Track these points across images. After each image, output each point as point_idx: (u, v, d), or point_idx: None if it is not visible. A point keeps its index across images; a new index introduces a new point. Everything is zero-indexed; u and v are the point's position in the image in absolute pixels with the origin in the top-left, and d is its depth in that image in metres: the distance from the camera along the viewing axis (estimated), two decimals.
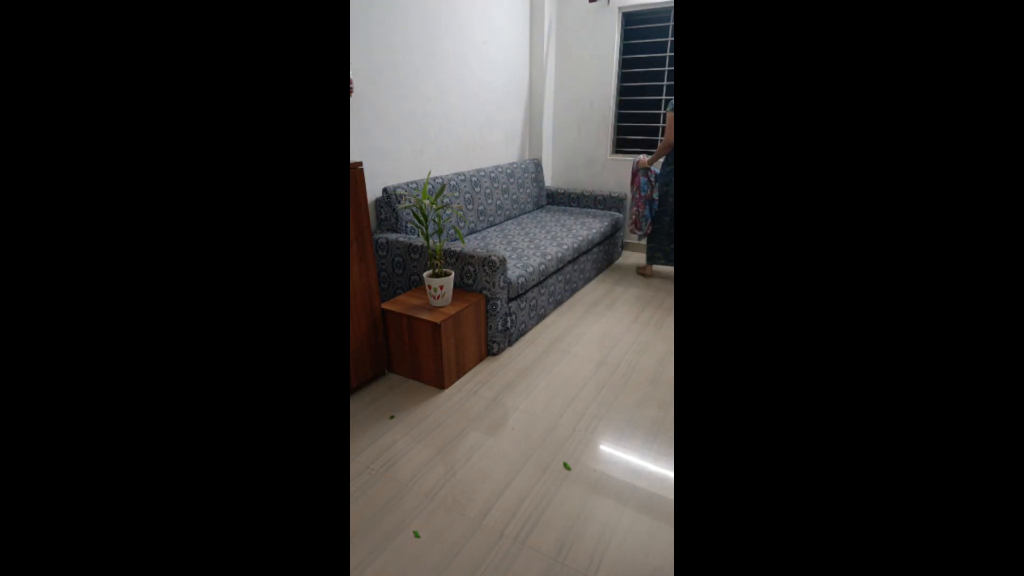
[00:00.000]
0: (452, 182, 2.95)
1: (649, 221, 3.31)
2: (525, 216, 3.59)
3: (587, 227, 3.27)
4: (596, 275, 3.51)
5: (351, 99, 2.34)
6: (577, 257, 3.08)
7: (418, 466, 1.68)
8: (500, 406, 2.01)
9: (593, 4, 3.60)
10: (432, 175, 2.91)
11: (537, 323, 2.75)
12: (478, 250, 2.29)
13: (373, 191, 2.55)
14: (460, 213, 2.83)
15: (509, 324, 2.44)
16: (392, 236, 2.46)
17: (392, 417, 1.95)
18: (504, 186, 3.42)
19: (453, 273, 2.18)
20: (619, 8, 3.59)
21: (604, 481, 1.61)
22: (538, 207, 3.86)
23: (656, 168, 3.30)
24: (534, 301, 2.64)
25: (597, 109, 3.90)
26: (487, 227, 3.26)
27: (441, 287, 2.11)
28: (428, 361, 2.12)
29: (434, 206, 2.09)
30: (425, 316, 2.06)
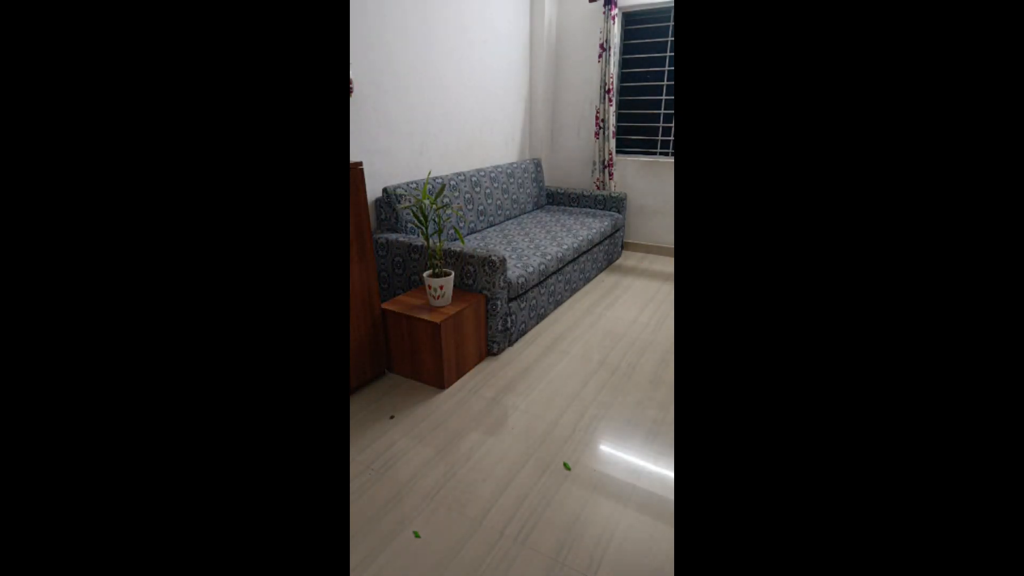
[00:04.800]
0: (452, 182, 2.95)
1: None
2: (525, 216, 3.59)
3: (587, 227, 3.27)
4: (596, 275, 3.51)
5: (351, 99, 2.34)
6: (577, 257, 3.08)
7: (418, 466, 1.68)
8: (500, 406, 2.01)
9: (593, 4, 3.60)
10: (432, 175, 2.91)
11: (537, 323, 2.75)
12: (478, 250, 2.29)
13: (373, 191, 2.55)
14: (460, 213, 2.83)
15: (509, 324, 2.44)
16: (392, 236, 2.46)
17: (392, 417, 1.95)
18: (504, 186, 3.42)
19: (453, 273, 2.18)
20: (620, 9, 3.59)
21: (604, 481, 1.61)
22: (538, 207, 3.86)
23: None
24: (534, 301, 2.64)
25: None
26: (487, 227, 3.26)
27: (441, 287, 2.11)
28: (428, 361, 2.12)
29: (434, 206, 2.09)
30: (425, 316, 2.06)
